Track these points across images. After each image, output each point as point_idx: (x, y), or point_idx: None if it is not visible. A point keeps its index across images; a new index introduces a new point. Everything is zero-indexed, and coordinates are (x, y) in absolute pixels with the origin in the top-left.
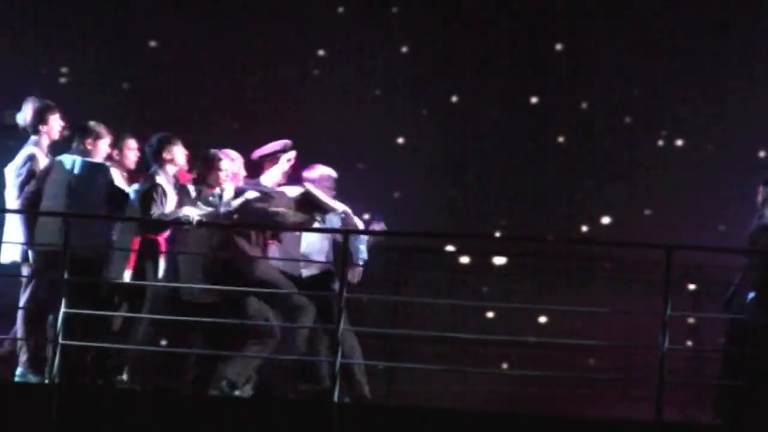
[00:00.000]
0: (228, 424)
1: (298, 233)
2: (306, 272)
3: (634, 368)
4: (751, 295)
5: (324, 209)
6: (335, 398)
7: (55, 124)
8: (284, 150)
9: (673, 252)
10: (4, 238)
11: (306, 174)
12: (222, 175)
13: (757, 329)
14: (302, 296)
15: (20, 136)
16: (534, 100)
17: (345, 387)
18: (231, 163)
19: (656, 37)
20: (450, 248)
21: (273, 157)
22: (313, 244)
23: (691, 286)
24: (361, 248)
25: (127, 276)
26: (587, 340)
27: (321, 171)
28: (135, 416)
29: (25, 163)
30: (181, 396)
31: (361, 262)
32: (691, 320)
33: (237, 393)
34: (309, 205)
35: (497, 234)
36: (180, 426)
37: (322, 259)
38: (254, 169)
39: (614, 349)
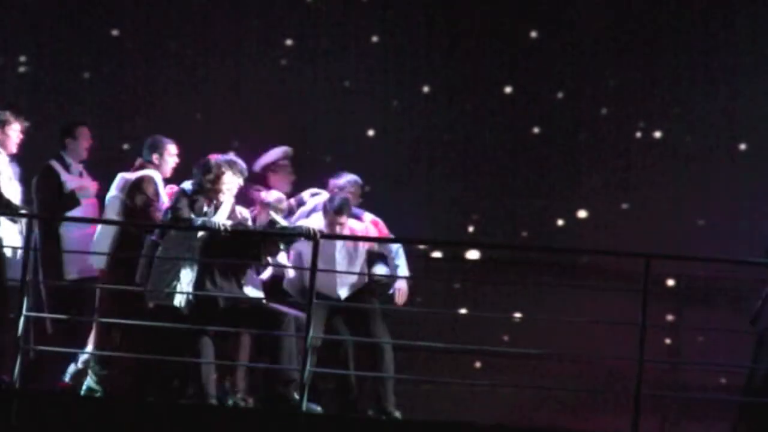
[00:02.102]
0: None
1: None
2: (343, 293)
3: (612, 378)
4: None
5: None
6: (303, 407)
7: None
8: (285, 157)
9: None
10: None
11: (332, 181)
12: (224, 188)
13: None
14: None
15: None
16: (508, 90)
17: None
18: (233, 177)
19: (633, 27)
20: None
21: (274, 166)
22: (340, 260)
23: (670, 282)
24: (398, 263)
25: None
26: (565, 350)
27: (347, 178)
28: (95, 423)
29: None
30: (144, 404)
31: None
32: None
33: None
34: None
35: (470, 229)
36: None
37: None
38: None
39: (591, 357)
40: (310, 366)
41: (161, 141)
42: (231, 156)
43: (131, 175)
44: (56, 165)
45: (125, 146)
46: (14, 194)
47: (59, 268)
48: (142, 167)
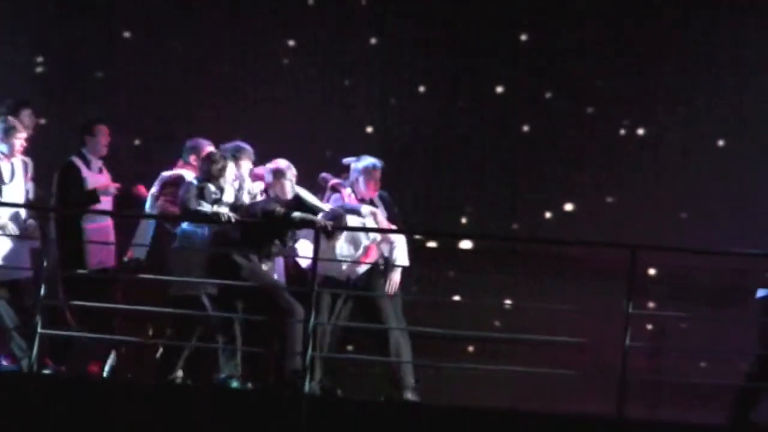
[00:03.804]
0: (197, 414)
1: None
2: (354, 275)
3: (598, 364)
4: (762, 293)
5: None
6: (306, 389)
7: (26, 119)
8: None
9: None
10: None
11: (352, 164)
12: (228, 173)
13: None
14: (290, 299)
15: None
16: (499, 89)
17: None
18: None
19: (618, 31)
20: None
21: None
22: (346, 248)
23: (651, 271)
24: (396, 253)
25: None
26: (550, 336)
27: (365, 163)
28: (108, 406)
29: None
30: (153, 387)
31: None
32: (651, 305)
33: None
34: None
35: (463, 220)
36: (151, 415)
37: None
38: None
39: (578, 344)
40: (311, 351)
41: (199, 143)
42: (238, 142)
43: (168, 174)
44: (77, 161)
45: (136, 142)
46: (16, 193)
47: (81, 259)
48: (182, 168)
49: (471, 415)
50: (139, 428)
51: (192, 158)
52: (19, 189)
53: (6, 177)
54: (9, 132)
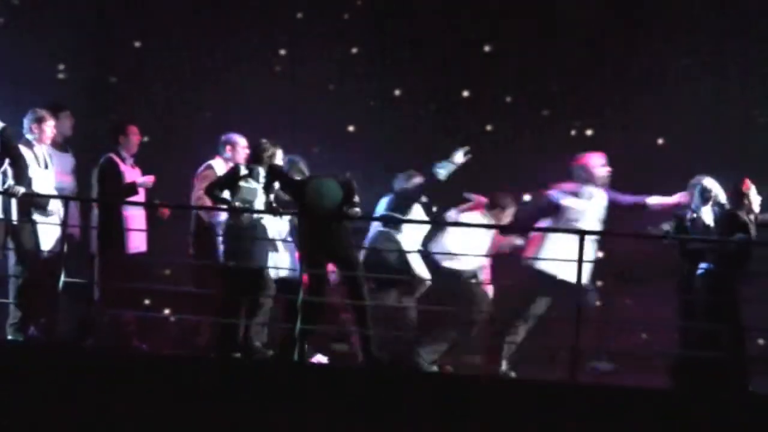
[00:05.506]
0: (199, 383)
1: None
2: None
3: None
4: (700, 271)
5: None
6: (295, 358)
7: (65, 121)
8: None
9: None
10: None
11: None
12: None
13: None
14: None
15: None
16: (465, 94)
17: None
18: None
19: (569, 40)
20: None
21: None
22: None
23: (600, 254)
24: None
25: None
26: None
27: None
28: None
29: None
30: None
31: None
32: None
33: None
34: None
35: (434, 209)
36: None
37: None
38: None
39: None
40: (300, 324)
41: (232, 138)
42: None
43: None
44: (116, 158)
45: (145, 139)
46: (45, 180)
47: (123, 242)
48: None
49: (442, 381)
50: (156, 398)
51: (227, 149)
52: (51, 177)
53: (41, 163)
54: (40, 120)
